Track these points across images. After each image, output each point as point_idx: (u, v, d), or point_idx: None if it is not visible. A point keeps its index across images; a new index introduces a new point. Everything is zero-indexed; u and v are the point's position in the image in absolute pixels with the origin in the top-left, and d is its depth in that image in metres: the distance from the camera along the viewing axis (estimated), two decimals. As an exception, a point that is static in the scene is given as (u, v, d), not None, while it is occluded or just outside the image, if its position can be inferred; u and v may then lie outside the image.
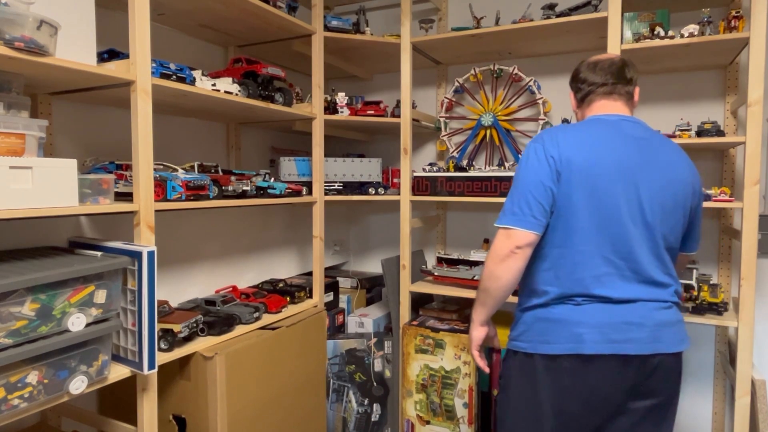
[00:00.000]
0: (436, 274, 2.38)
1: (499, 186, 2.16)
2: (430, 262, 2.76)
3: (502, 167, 2.48)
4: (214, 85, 1.63)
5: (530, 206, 1.25)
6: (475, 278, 2.22)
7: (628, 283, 1.25)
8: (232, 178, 1.76)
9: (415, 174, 2.36)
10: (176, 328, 1.55)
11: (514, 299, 1.50)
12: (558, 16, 2.05)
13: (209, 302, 1.90)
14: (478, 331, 1.45)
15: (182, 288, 2.01)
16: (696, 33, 1.81)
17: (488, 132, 2.53)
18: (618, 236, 1.24)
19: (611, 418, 1.28)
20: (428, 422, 2.28)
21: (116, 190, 1.45)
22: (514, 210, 1.27)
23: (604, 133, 1.30)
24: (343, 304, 2.62)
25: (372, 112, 2.34)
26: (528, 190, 1.27)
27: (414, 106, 2.47)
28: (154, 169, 1.43)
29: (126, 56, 1.38)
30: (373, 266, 3.03)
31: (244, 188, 1.79)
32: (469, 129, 2.57)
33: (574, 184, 1.24)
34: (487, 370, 1.50)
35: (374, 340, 2.37)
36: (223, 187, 1.70)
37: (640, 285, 1.26)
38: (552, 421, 1.26)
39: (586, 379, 1.22)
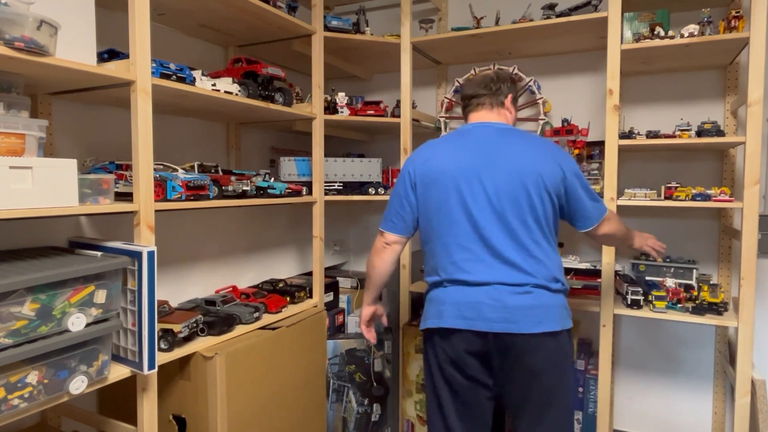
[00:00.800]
0: (436, 274, 2.38)
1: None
2: (430, 262, 2.76)
3: (502, 167, 2.48)
4: (214, 85, 1.63)
5: (391, 214, 1.60)
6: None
7: (487, 266, 1.43)
8: (232, 178, 1.76)
9: (415, 174, 2.35)
10: (176, 328, 1.55)
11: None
12: (558, 16, 2.05)
13: (209, 302, 1.90)
14: (366, 310, 1.77)
15: (182, 288, 2.01)
16: (696, 33, 1.81)
17: (488, 132, 2.52)
18: (470, 226, 1.44)
19: (500, 387, 1.47)
20: (428, 422, 2.28)
21: (116, 190, 1.45)
22: (385, 217, 1.63)
23: (453, 142, 1.55)
24: (343, 304, 2.62)
25: (372, 112, 2.34)
26: (392, 202, 1.61)
27: (414, 106, 2.46)
28: (154, 169, 1.43)
29: (126, 56, 1.38)
30: (373, 266, 3.03)
31: (244, 188, 1.79)
32: (469, 129, 2.57)
33: (428, 189, 1.52)
34: (373, 341, 1.79)
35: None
36: (223, 187, 1.70)
37: (501, 267, 1.42)
38: (444, 386, 1.50)
39: (449, 349, 1.46)
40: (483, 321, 1.39)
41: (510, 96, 1.61)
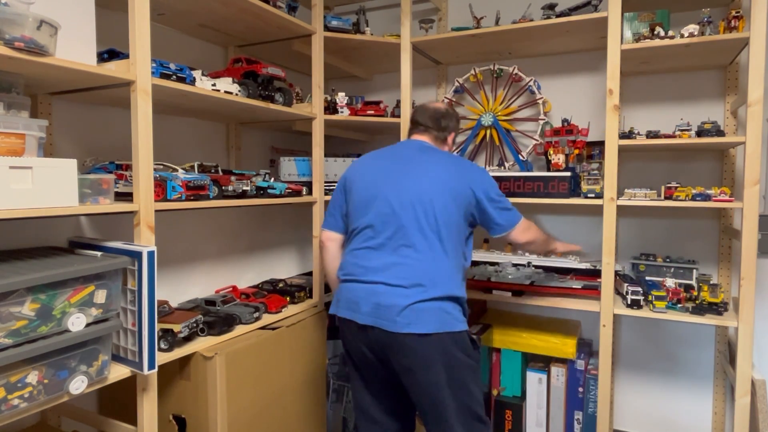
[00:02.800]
0: (436, 274, 2.38)
1: (499, 186, 2.16)
2: (430, 262, 2.76)
3: (502, 167, 2.48)
4: (214, 85, 1.63)
5: (327, 213, 1.77)
6: (475, 278, 2.22)
7: (379, 260, 1.54)
8: (232, 178, 1.76)
9: (415, 174, 2.35)
10: (176, 328, 1.55)
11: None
12: (558, 16, 2.05)
13: (209, 302, 1.90)
14: None
15: (182, 288, 2.01)
16: (696, 33, 1.81)
17: (488, 132, 2.53)
18: (376, 223, 1.57)
19: (393, 373, 1.54)
20: (428, 422, 2.28)
21: (116, 190, 1.45)
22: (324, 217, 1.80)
23: (382, 152, 1.73)
24: (343, 304, 2.61)
25: (372, 112, 2.34)
26: (330, 203, 1.76)
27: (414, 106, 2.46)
28: (154, 169, 1.43)
29: (126, 56, 1.38)
30: (373, 266, 3.03)
31: (244, 188, 1.79)
32: (469, 129, 2.57)
33: (351, 190, 1.68)
34: None
35: (374, 340, 2.36)
36: (223, 187, 1.70)
37: (390, 264, 1.52)
38: (350, 360, 1.64)
39: (344, 334, 1.61)
40: (360, 314, 1.51)
41: (453, 134, 1.81)
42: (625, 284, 1.99)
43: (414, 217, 1.53)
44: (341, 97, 2.30)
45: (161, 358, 1.47)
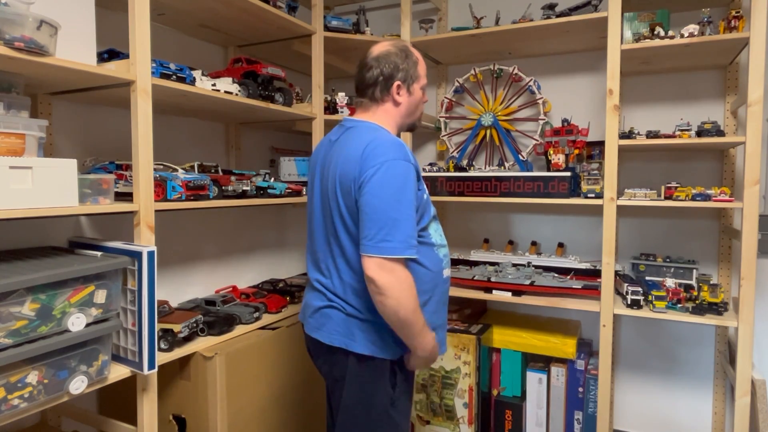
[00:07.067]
0: (436, 274, 2.37)
1: (499, 186, 2.16)
2: (430, 262, 2.75)
3: (502, 167, 2.48)
4: (214, 85, 1.63)
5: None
6: (475, 278, 2.22)
7: (312, 268, 1.45)
8: (232, 178, 1.76)
9: (415, 174, 2.35)
10: (176, 328, 1.55)
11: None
12: (558, 16, 2.05)
13: (209, 302, 1.90)
14: None
15: (182, 288, 2.01)
16: (696, 33, 1.81)
17: (488, 132, 2.53)
18: (312, 230, 1.44)
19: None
20: (428, 422, 2.28)
21: (116, 190, 1.45)
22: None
23: (320, 144, 1.48)
24: (343, 304, 2.61)
25: (372, 112, 2.33)
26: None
27: (414, 106, 2.46)
28: (154, 169, 1.43)
29: (126, 56, 1.38)
30: (373, 266, 3.02)
31: (244, 188, 1.79)
32: (469, 129, 2.57)
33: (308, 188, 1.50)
34: None
35: (374, 340, 2.36)
36: (223, 187, 1.70)
37: (316, 272, 1.43)
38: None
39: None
40: (304, 318, 1.46)
41: (396, 83, 1.36)
42: (625, 284, 1.99)
43: (328, 219, 1.41)
44: (341, 97, 2.30)
45: (161, 358, 1.47)
